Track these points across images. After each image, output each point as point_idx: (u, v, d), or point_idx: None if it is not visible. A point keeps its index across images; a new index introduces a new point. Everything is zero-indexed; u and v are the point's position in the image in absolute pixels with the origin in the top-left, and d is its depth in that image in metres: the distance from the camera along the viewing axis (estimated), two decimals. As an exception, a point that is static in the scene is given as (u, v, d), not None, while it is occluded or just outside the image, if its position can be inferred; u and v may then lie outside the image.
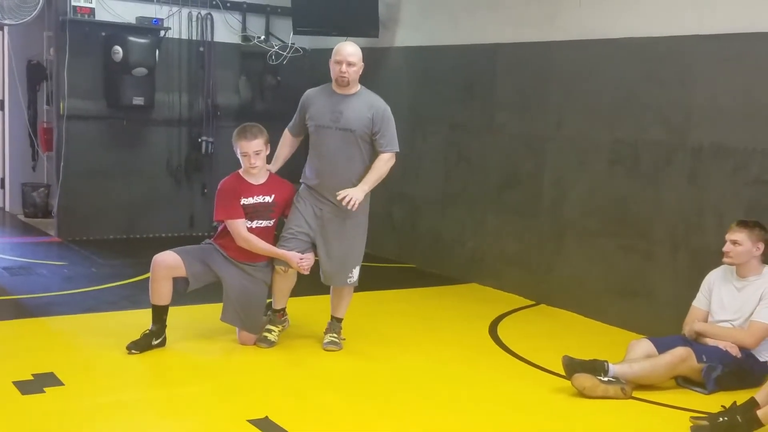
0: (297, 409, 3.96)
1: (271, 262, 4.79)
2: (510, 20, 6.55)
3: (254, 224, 4.72)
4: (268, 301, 4.97)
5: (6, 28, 8.67)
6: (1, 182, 9.29)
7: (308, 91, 4.89)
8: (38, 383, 4.05)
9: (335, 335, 4.93)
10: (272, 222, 4.82)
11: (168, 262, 4.57)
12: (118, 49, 7.42)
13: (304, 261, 4.69)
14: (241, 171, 4.80)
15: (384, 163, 4.75)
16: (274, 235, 4.87)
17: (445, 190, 7.25)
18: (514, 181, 6.60)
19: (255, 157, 4.66)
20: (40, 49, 8.57)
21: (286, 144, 4.95)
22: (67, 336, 4.94)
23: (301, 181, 4.88)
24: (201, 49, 8.10)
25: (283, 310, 4.95)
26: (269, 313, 4.93)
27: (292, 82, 7.86)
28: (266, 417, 3.79)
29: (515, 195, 6.59)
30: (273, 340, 4.84)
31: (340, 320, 4.99)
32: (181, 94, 8.11)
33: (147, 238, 7.99)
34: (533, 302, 6.34)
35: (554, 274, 6.28)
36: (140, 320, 4.87)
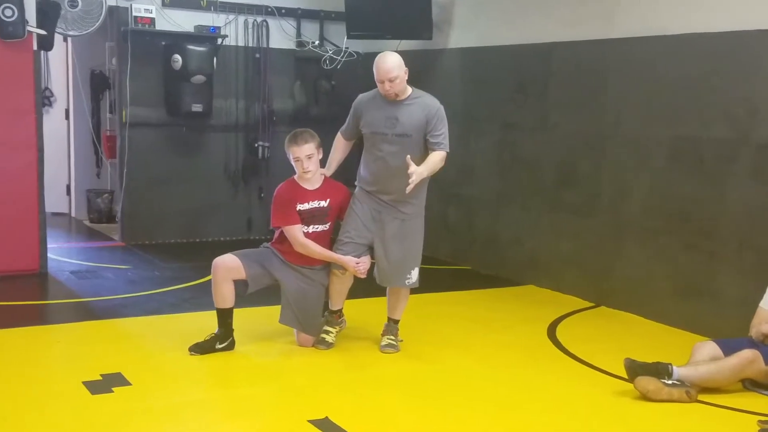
0: (356, 409, 3.99)
1: (328, 265, 4.83)
2: (565, 19, 6.49)
3: (310, 229, 4.76)
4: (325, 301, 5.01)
5: (70, 39, 8.92)
6: (67, 189, 9.56)
7: (361, 97, 4.86)
8: (107, 383, 4.16)
9: (392, 337, 4.94)
10: (328, 226, 4.85)
11: (228, 264, 4.64)
12: (178, 57, 7.57)
13: (360, 265, 4.72)
14: (295, 177, 4.82)
15: (438, 159, 4.66)
16: (330, 239, 4.91)
17: (499, 191, 7.22)
18: (571, 180, 6.53)
19: (307, 162, 4.68)
20: (103, 59, 8.79)
21: (339, 148, 4.96)
22: (133, 337, 5.06)
23: (356, 183, 4.91)
24: (257, 55, 8.22)
25: (340, 311, 4.99)
26: (326, 314, 4.97)
27: (346, 86, 7.91)
28: (326, 417, 3.83)
29: (572, 194, 6.52)
30: (331, 341, 4.88)
31: (397, 322, 5.00)
32: (238, 100, 8.24)
33: (206, 242, 8.13)
34: (592, 304, 6.26)
35: (614, 274, 6.19)
36: (201, 322, 4.97)
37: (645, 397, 4.20)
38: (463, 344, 5.17)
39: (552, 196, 6.70)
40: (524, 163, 6.95)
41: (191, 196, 8.15)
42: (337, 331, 4.95)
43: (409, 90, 4.72)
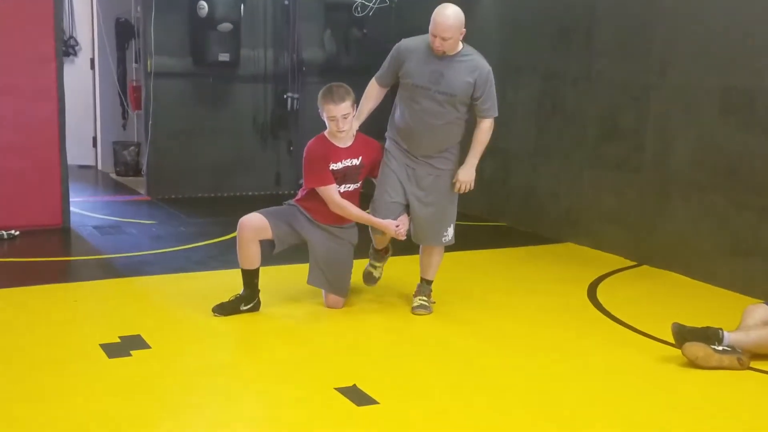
0: (386, 376, 3.79)
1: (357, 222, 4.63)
2: (611, -40, 6.10)
3: (342, 188, 4.52)
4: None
5: (94, -13, 8.70)
6: (93, 141, 9.42)
7: (405, 43, 4.50)
8: (125, 346, 4.00)
9: (425, 298, 4.72)
10: (359, 184, 4.61)
11: (254, 224, 4.43)
12: (203, 4, 7.33)
13: (401, 227, 4.50)
14: (326, 133, 4.54)
15: (485, 132, 4.50)
16: (360, 195, 4.67)
17: (538, 144, 6.90)
18: (614, 133, 6.20)
19: (342, 121, 4.39)
20: (128, 7, 8.55)
21: (372, 96, 4.63)
22: (155, 297, 4.89)
23: (388, 135, 4.64)
24: (286, 2, 7.92)
25: (385, 248, 4.81)
26: (371, 251, 4.80)
27: (378, 34, 7.61)
28: (354, 385, 3.63)
29: (615, 148, 6.20)
30: (377, 276, 4.83)
31: (430, 282, 4.78)
32: (267, 49, 7.99)
33: (234, 196, 7.96)
34: (634, 263, 5.98)
35: (658, 232, 5.89)
36: (227, 280, 4.79)
37: (694, 364, 3.96)
38: (499, 305, 4.94)
39: (593, 149, 6.38)
40: (565, 115, 6.62)
41: (218, 150, 7.96)
42: (382, 266, 4.84)
43: (460, 46, 4.39)
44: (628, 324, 4.63)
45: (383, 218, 4.53)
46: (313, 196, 4.53)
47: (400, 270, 5.15)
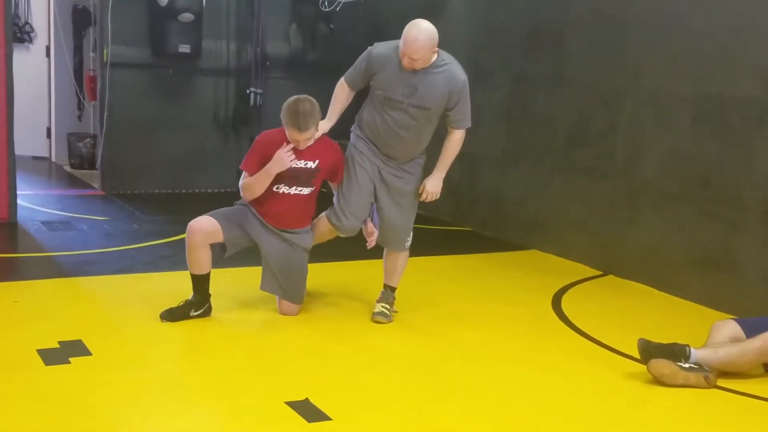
0: (340, 389, 3.59)
1: (311, 228, 4.45)
2: (584, -39, 5.96)
3: (293, 190, 4.30)
4: None
5: (51, -28, 8.37)
6: (48, 132, 9.08)
7: (377, 50, 4.24)
8: (64, 352, 3.75)
9: (387, 305, 4.53)
10: (313, 189, 4.37)
11: (204, 228, 4.20)
12: (164, -8, 7.06)
13: (371, 239, 4.41)
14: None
15: (456, 143, 4.34)
16: (315, 203, 4.46)
17: (506, 148, 6.74)
18: (584, 139, 6.06)
19: (304, 143, 4.22)
20: (88, -7, 8.25)
21: (342, 98, 4.39)
22: (100, 299, 4.64)
23: (354, 131, 4.43)
24: (251, -7, 7.68)
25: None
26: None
27: (346, 30, 7.40)
28: (306, 399, 3.42)
29: (584, 154, 6.06)
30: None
31: (393, 289, 4.59)
32: (229, 41, 7.75)
33: (193, 193, 7.70)
34: (601, 272, 5.85)
35: (626, 241, 5.76)
36: (178, 282, 4.55)
37: (659, 381, 3.82)
38: (461, 314, 4.76)
39: (563, 154, 6.24)
40: (534, 119, 6.47)
41: (178, 144, 7.70)
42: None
43: (434, 56, 4.16)
44: (592, 337, 4.48)
45: (351, 216, 4.35)
46: (267, 197, 4.30)
47: (363, 275, 4.95)
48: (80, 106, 8.82)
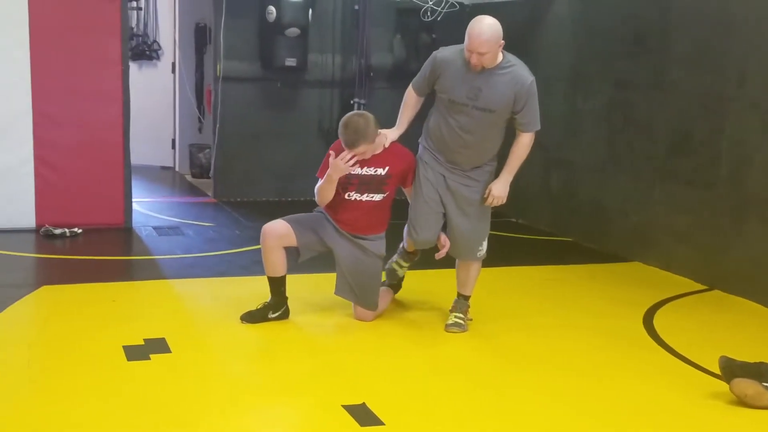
0: (400, 396, 3.60)
1: (384, 235, 4.48)
2: (689, -38, 5.72)
3: (364, 197, 4.35)
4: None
5: (176, -8, 8.86)
6: (173, 143, 9.60)
7: (441, 54, 4.25)
8: (146, 349, 3.96)
9: (461, 315, 4.50)
10: (385, 195, 4.40)
11: (277, 231, 4.33)
12: (272, 9, 7.34)
13: (442, 249, 4.40)
14: None
15: (524, 147, 4.25)
16: (389, 210, 4.50)
17: (607, 156, 6.55)
18: (688, 147, 5.79)
19: (361, 156, 4.26)
20: (208, 12, 8.65)
21: (411, 104, 4.43)
22: (190, 300, 4.87)
23: (421, 143, 4.45)
24: (356, 7, 7.84)
25: (415, 251, 4.65)
26: (400, 250, 4.67)
27: (448, 39, 7.29)
28: (363, 403, 3.46)
29: (688, 162, 5.79)
30: (401, 275, 4.73)
31: (467, 298, 4.56)
32: (334, 54, 7.93)
33: (297, 201, 7.91)
34: (705, 287, 5.58)
35: (732, 255, 5.46)
36: (265, 286, 4.64)
37: (742, 401, 3.62)
38: (541, 326, 4.67)
39: (666, 163, 5.99)
40: (637, 126, 6.25)
41: (284, 154, 7.95)
42: (407, 265, 4.69)
43: (500, 57, 4.13)
44: (679, 353, 4.29)
45: (423, 229, 4.36)
46: (339, 204, 4.39)
47: (438, 283, 4.94)
48: (200, 119, 9.27)
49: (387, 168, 4.36)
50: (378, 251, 4.47)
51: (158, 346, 4.02)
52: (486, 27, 4.00)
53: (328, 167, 4.33)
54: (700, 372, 4.04)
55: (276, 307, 4.42)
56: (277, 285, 4.40)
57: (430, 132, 4.39)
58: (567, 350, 4.30)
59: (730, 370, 3.72)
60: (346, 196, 4.37)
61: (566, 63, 6.53)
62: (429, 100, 4.47)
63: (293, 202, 7.87)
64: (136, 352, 3.92)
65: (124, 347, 3.98)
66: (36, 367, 3.77)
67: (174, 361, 3.87)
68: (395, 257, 4.72)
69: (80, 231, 6.24)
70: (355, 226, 4.40)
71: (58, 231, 6.16)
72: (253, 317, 4.39)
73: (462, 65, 4.15)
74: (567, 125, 6.67)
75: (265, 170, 7.92)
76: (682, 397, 3.74)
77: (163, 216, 7.08)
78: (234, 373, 3.81)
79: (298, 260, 4.43)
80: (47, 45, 6.11)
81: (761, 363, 3.72)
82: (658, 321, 4.84)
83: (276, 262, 4.34)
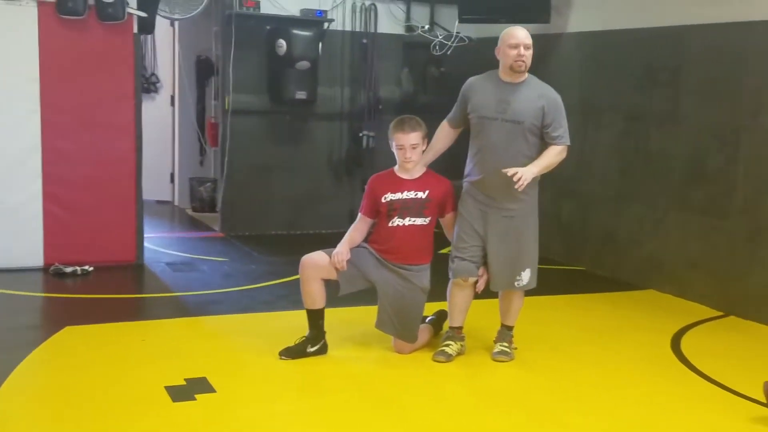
0: (450, 427, 3.60)
1: (428, 266, 4.50)
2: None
3: (407, 222, 4.40)
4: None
5: (176, 24, 8.86)
6: (171, 177, 9.54)
7: (471, 79, 4.50)
8: (190, 389, 3.92)
9: (506, 344, 4.55)
10: (428, 220, 4.45)
11: (317, 263, 4.33)
12: (282, 42, 7.37)
13: (480, 280, 4.44)
14: (395, 168, 4.51)
15: (556, 153, 4.32)
16: (432, 237, 4.53)
17: (620, 186, 6.64)
18: (701, 176, 5.91)
19: (411, 151, 4.36)
20: (209, 45, 8.68)
21: (443, 136, 4.58)
22: (222, 338, 4.82)
23: (464, 181, 4.52)
24: (364, 40, 7.92)
25: (461, 328, 4.55)
26: (448, 332, 4.58)
27: (457, 72, 7.41)
28: (415, 436, 3.46)
29: (702, 191, 5.90)
30: (451, 353, 4.44)
31: (510, 328, 4.61)
32: (344, 87, 7.98)
33: (307, 234, 7.90)
34: (721, 313, 5.65)
35: (748, 281, 5.56)
36: (295, 321, 4.67)
37: (788, 428, 3.66)
38: (576, 355, 4.71)
39: (679, 193, 6.10)
40: (649, 157, 6.36)
41: (293, 187, 7.94)
42: (459, 347, 4.51)
43: (526, 74, 4.38)
44: (714, 379, 4.34)
45: (461, 264, 4.39)
46: (383, 233, 4.42)
47: (482, 315, 4.96)
48: (202, 152, 9.23)
49: (427, 192, 4.43)
50: (421, 283, 4.48)
51: (201, 386, 3.97)
52: (521, 27, 4.34)
53: (368, 203, 4.38)
54: (737, 397, 4.10)
55: (314, 341, 4.41)
56: (315, 318, 4.39)
57: (468, 165, 4.48)
58: (609, 377, 4.37)
59: (775, 396, 3.79)
60: (389, 224, 4.41)
61: (576, 96, 6.62)
62: (463, 147, 4.54)
63: (303, 235, 7.87)
64: (180, 393, 3.87)
65: (166, 388, 3.92)
66: (81, 410, 3.68)
67: (220, 401, 3.83)
68: (445, 339, 4.56)
69: (91, 269, 6.14)
70: (399, 253, 4.42)
71: (68, 269, 6.06)
72: (291, 352, 4.37)
73: (490, 84, 4.38)
74: (578, 157, 6.73)
75: (274, 203, 7.90)
76: (728, 422, 3.80)
77: (173, 251, 7.01)
78: (283, 411, 3.78)
79: (339, 294, 4.42)
80: (58, 79, 6.05)
81: (804, 389, 3.78)
82: (685, 347, 4.90)
83: (314, 294, 4.33)
